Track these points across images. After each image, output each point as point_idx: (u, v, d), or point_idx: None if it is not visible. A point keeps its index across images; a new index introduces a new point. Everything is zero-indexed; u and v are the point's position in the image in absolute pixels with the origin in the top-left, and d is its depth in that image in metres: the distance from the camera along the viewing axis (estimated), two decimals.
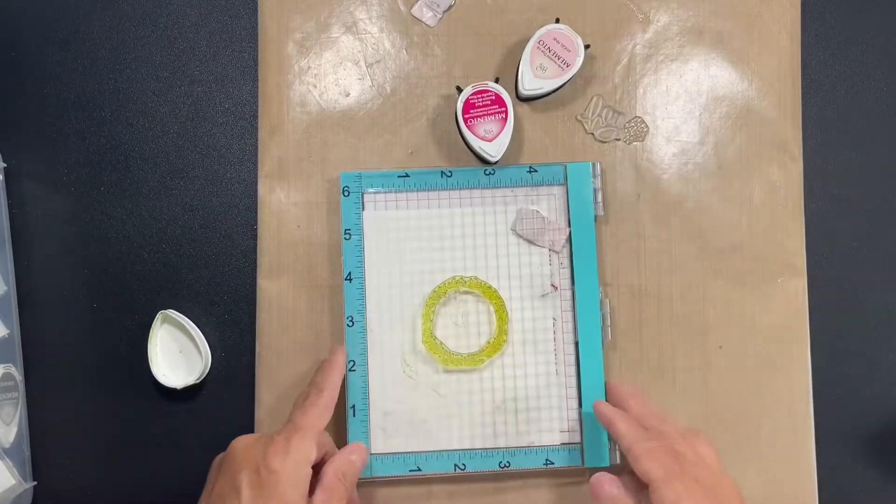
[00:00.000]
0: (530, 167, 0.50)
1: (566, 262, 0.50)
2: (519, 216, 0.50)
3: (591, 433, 0.48)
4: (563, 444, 0.49)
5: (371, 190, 0.50)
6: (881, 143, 0.53)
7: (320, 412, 0.44)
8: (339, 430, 0.49)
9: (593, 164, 0.50)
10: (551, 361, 0.49)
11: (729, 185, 0.51)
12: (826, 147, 0.53)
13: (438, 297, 0.49)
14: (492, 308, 0.49)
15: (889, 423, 0.52)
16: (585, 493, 0.49)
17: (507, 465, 0.48)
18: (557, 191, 0.50)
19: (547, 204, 0.50)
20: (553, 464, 0.48)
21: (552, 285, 0.50)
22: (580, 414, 0.49)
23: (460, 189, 0.50)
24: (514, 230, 0.50)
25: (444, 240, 0.50)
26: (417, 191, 0.50)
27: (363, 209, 0.50)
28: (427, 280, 0.50)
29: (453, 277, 0.49)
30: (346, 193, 0.50)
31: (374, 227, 0.50)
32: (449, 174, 0.50)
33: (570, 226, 0.49)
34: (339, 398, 0.49)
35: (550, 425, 0.49)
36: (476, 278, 0.49)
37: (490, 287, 0.49)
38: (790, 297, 0.51)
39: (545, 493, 0.49)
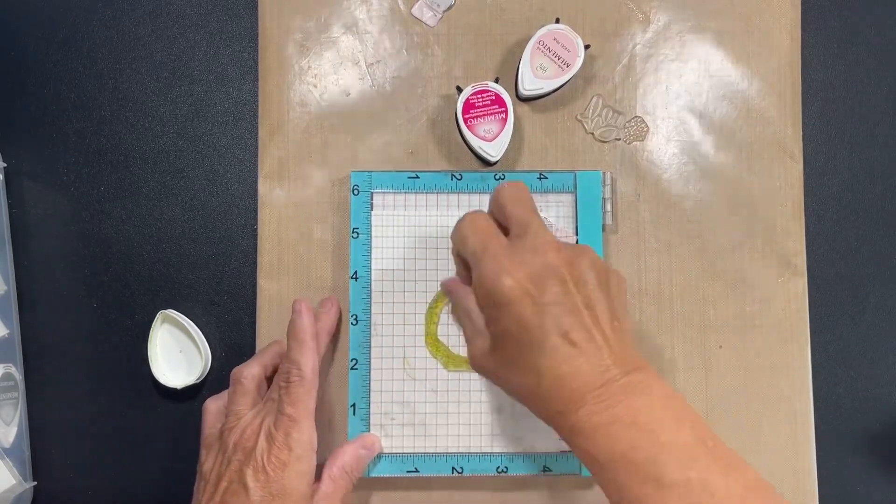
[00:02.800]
0: (540, 174, 0.50)
1: None
2: None
3: None
4: (561, 451, 0.48)
5: (380, 190, 0.50)
6: (881, 143, 0.53)
7: (306, 392, 0.43)
8: (338, 429, 0.49)
9: (603, 174, 0.50)
10: None
11: (729, 185, 0.51)
12: (826, 147, 0.53)
13: (443, 298, 0.49)
14: None
15: (889, 423, 0.52)
16: (584, 502, 0.49)
17: (505, 469, 0.48)
18: (566, 198, 0.50)
19: (556, 211, 0.50)
20: (550, 471, 0.48)
21: None
22: None
23: (469, 193, 0.50)
24: None
25: (451, 242, 0.50)
26: (426, 192, 0.50)
27: (372, 209, 0.50)
28: (432, 281, 0.50)
29: None
30: (355, 192, 0.50)
31: (382, 226, 0.50)
32: (459, 177, 0.50)
33: (577, 234, 0.49)
34: (337, 396, 0.49)
35: (549, 432, 0.48)
36: None
37: None
38: (790, 297, 0.51)
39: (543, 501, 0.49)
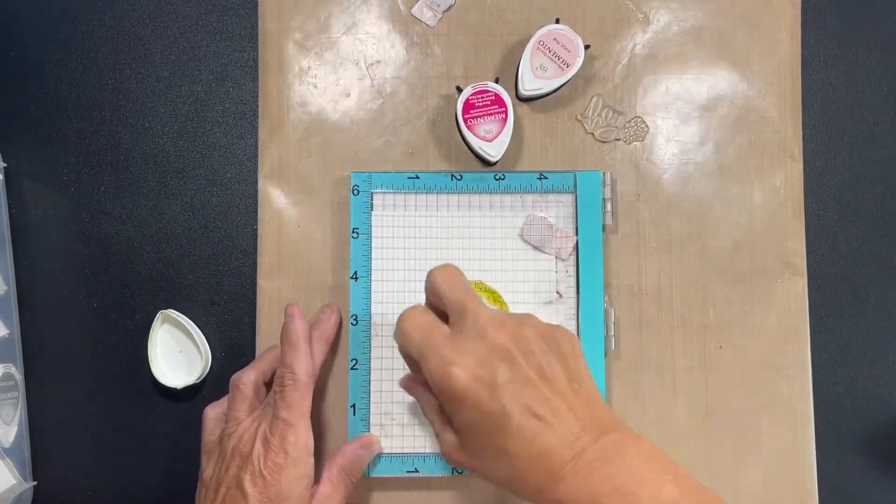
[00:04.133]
0: (540, 174, 0.50)
1: (572, 270, 0.50)
2: (527, 222, 0.50)
3: None
4: None
5: (380, 190, 0.50)
6: (881, 143, 0.53)
7: (301, 396, 0.43)
8: (338, 429, 0.49)
9: (603, 174, 0.50)
10: None
11: (729, 185, 0.51)
12: (826, 147, 0.53)
13: None
14: None
15: (889, 423, 0.52)
16: None
17: None
18: (566, 198, 0.50)
19: (556, 211, 0.50)
20: None
21: (557, 293, 0.50)
22: None
23: (469, 193, 0.50)
24: (521, 236, 0.50)
25: (451, 242, 0.50)
26: (426, 192, 0.50)
27: (372, 209, 0.50)
28: None
29: None
30: (355, 192, 0.50)
31: (382, 226, 0.50)
32: (459, 177, 0.50)
33: (577, 234, 0.49)
34: (337, 396, 0.49)
35: None
36: (482, 283, 0.49)
37: (495, 292, 0.49)
38: (790, 297, 0.51)
39: None
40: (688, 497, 0.34)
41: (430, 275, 0.41)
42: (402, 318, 0.40)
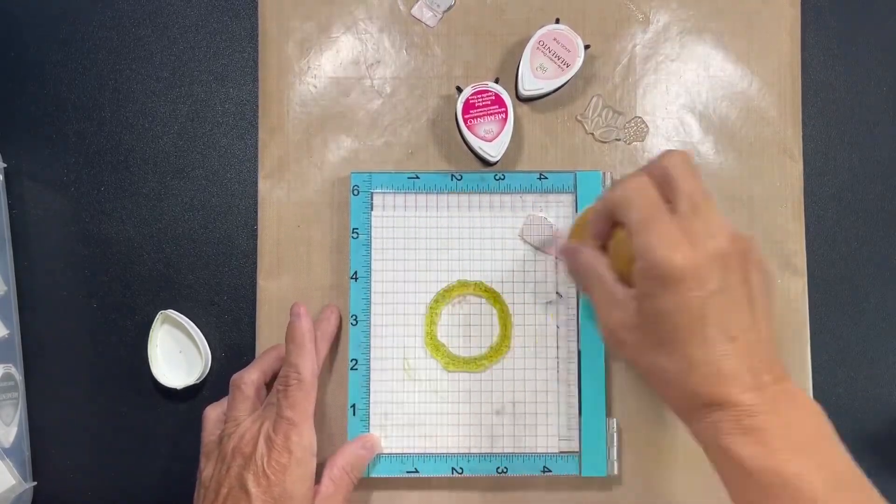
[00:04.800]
0: (540, 174, 0.50)
1: None
2: (527, 222, 0.50)
3: (590, 442, 0.48)
4: (561, 451, 0.48)
5: (380, 190, 0.50)
6: (881, 143, 0.53)
7: (305, 395, 0.43)
8: (338, 429, 0.49)
9: (603, 174, 0.50)
10: (553, 368, 0.49)
11: (729, 185, 0.51)
12: (826, 147, 0.53)
13: (443, 299, 0.49)
14: (496, 313, 0.49)
15: (889, 423, 0.52)
16: (584, 502, 0.49)
17: (505, 470, 0.48)
18: (566, 198, 0.50)
19: (556, 211, 0.50)
20: (550, 471, 0.48)
21: (557, 293, 0.49)
22: (580, 423, 0.48)
23: (469, 193, 0.50)
24: (521, 236, 0.50)
25: (451, 242, 0.50)
26: (426, 192, 0.50)
27: (372, 209, 0.50)
28: (432, 282, 0.50)
29: (458, 281, 0.49)
30: (355, 193, 0.50)
31: (382, 227, 0.50)
32: (459, 177, 0.50)
33: None
34: (337, 396, 0.49)
35: (549, 432, 0.49)
36: (482, 283, 0.49)
37: (495, 292, 0.49)
38: (790, 297, 0.51)
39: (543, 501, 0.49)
40: (854, 475, 0.36)
41: (667, 156, 0.38)
42: (628, 182, 0.38)
